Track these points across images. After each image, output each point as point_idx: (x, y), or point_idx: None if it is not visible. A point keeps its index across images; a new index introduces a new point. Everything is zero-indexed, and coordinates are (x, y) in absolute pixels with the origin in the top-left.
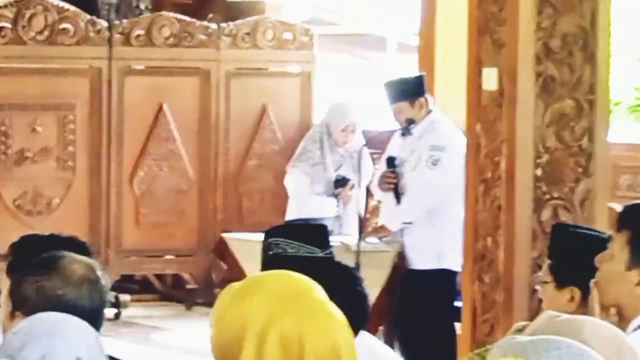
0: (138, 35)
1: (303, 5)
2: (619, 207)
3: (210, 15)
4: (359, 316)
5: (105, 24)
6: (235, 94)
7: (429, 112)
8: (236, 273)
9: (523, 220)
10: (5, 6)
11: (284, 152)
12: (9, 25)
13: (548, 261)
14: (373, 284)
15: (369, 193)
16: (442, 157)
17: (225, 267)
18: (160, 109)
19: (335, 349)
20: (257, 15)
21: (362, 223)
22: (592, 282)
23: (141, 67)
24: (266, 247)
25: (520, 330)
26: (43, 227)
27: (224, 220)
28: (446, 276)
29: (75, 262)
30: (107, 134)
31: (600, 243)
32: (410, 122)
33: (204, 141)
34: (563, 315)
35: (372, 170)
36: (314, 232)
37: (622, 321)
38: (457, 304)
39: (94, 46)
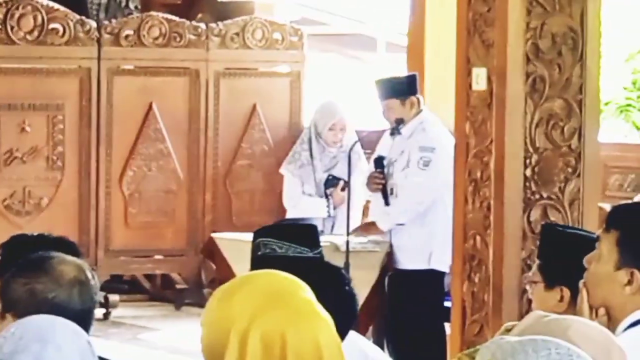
0: (127, 35)
1: (292, 5)
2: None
3: (200, 15)
4: (348, 316)
5: (94, 24)
6: (224, 94)
7: (419, 112)
8: (225, 273)
9: (512, 220)
10: None
11: (273, 153)
12: None
13: (537, 261)
14: (362, 284)
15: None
16: (433, 158)
17: (214, 267)
18: (149, 109)
19: (318, 348)
20: (247, 15)
21: (349, 219)
22: (580, 282)
23: (130, 67)
24: (255, 247)
25: (509, 331)
26: (32, 227)
27: (213, 220)
28: (435, 276)
29: (65, 263)
30: (96, 134)
31: (589, 243)
32: (400, 121)
33: (193, 141)
34: (551, 315)
35: (367, 167)
36: (303, 232)
37: (611, 321)
38: (446, 304)
39: (83, 46)
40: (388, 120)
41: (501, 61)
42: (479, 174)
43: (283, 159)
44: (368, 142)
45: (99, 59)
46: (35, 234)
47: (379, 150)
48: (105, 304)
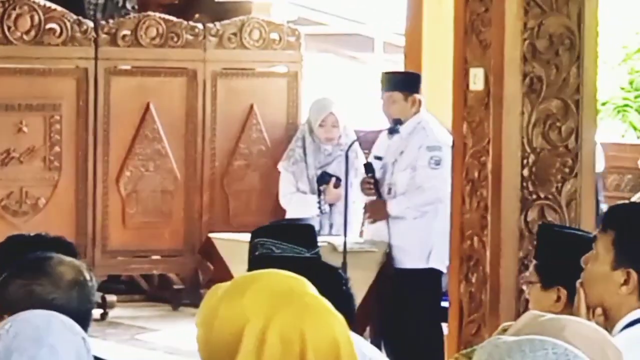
0: (124, 36)
1: (290, 5)
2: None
3: (197, 16)
4: (345, 317)
5: (91, 24)
6: (221, 94)
7: (418, 112)
8: (223, 273)
9: (509, 220)
10: None
11: (270, 153)
12: None
13: (534, 261)
14: (360, 284)
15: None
16: (442, 156)
17: (212, 267)
18: (146, 109)
19: (336, 345)
20: (244, 15)
21: (346, 220)
22: (577, 282)
23: (127, 67)
24: (253, 247)
25: (505, 331)
26: (29, 227)
27: (211, 220)
28: (434, 276)
29: (64, 264)
30: (94, 134)
31: (586, 243)
32: (397, 122)
33: (191, 141)
34: (546, 315)
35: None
36: (300, 232)
37: (608, 321)
38: (443, 304)
39: (80, 46)
40: (386, 115)
41: (498, 61)
42: (476, 174)
43: (280, 159)
44: (365, 142)
45: (96, 59)
46: (32, 234)
47: (375, 151)
48: (103, 305)
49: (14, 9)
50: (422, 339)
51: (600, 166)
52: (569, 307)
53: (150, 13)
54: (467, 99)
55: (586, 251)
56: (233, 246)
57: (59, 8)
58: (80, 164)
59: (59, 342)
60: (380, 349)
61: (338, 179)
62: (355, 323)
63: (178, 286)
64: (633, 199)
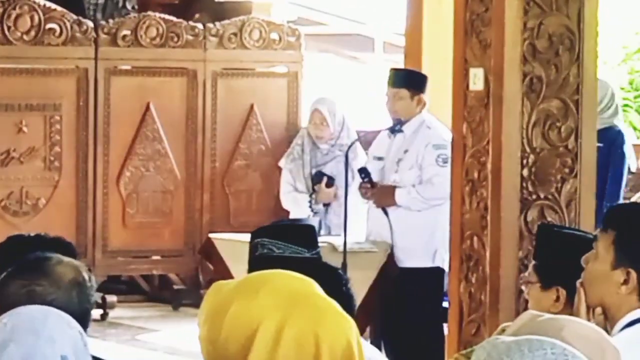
0: (124, 36)
1: (290, 5)
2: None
3: (197, 16)
4: None
5: (91, 24)
6: (222, 95)
7: (420, 112)
8: (223, 274)
9: (509, 220)
10: None
11: (270, 153)
12: None
13: (533, 262)
14: (360, 284)
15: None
16: (448, 154)
17: (212, 267)
18: (146, 109)
19: (349, 347)
20: (244, 15)
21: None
22: (578, 282)
23: (127, 67)
24: (253, 247)
25: (504, 331)
26: (29, 227)
27: (211, 220)
28: (439, 275)
29: (63, 264)
30: (94, 135)
31: (585, 243)
32: (398, 122)
33: (191, 141)
34: (544, 315)
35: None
36: (301, 232)
37: (608, 321)
38: (444, 304)
39: (80, 46)
40: (390, 111)
41: (498, 61)
42: (476, 174)
43: (281, 159)
44: (366, 142)
45: (96, 59)
46: (32, 234)
47: (374, 152)
48: (103, 305)
49: (14, 9)
50: (423, 339)
51: (633, 166)
52: (568, 307)
53: (150, 13)
54: (467, 99)
55: (585, 251)
56: (233, 246)
57: (59, 8)
58: (81, 164)
59: (57, 334)
60: (380, 349)
61: (330, 179)
62: (356, 323)
63: (178, 286)
64: (633, 199)
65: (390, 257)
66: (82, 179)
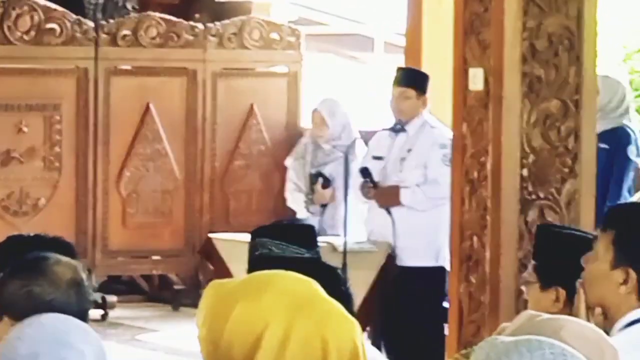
0: (124, 36)
1: (290, 5)
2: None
3: (197, 16)
4: None
5: (91, 24)
6: (221, 95)
7: (422, 112)
8: (223, 274)
9: (509, 220)
10: None
11: (270, 153)
12: None
13: (533, 262)
14: (360, 284)
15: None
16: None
17: (212, 267)
18: (146, 109)
19: (356, 351)
20: (244, 15)
21: (346, 220)
22: (578, 282)
23: (127, 67)
24: (253, 247)
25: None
26: (29, 227)
27: (211, 220)
28: (441, 274)
29: (61, 264)
30: (94, 135)
31: (585, 243)
32: (399, 122)
33: (191, 141)
34: (543, 315)
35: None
36: (300, 232)
37: (608, 321)
38: (444, 304)
39: (80, 46)
40: (395, 110)
41: (498, 61)
42: (475, 174)
43: (280, 159)
44: (366, 142)
45: (96, 59)
46: (31, 234)
47: (373, 152)
48: (103, 305)
49: (14, 9)
50: (424, 339)
51: None
52: (568, 307)
53: (150, 13)
54: (467, 99)
55: (585, 251)
56: (233, 246)
57: (59, 8)
58: (81, 164)
59: (82, 343)
60: (380, 349)
61: (327, 180)
62: None
63: (178, 286)
64: (633, 199)
65: (390, 257)
66: (82, 179)
